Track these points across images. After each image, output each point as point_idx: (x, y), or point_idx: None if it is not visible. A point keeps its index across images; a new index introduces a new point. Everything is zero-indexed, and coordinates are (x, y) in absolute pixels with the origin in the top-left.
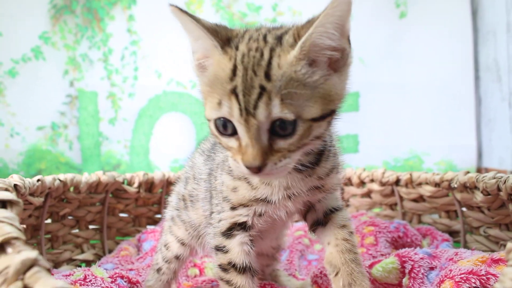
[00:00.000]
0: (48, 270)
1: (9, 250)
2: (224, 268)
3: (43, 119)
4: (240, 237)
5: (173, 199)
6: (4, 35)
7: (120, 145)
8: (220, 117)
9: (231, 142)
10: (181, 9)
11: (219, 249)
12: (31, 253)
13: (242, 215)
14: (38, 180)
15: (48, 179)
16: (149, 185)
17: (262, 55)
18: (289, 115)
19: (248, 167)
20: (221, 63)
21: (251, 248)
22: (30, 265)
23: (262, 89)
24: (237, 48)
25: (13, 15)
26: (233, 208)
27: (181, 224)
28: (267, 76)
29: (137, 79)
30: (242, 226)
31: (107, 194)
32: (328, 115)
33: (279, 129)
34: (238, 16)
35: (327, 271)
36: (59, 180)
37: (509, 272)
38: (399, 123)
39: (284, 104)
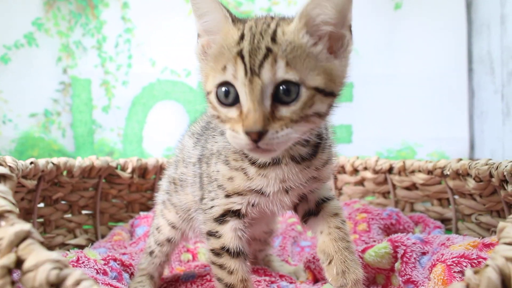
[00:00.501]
0: (42, 243)
1: (2, 223)
2: (217, 252)
3: (36, 106)
4: (233, 223)
5: (163, 183)
6: None
7: (114, 133)
8: (223, 81)
9: (231, 112)
10: None
11: (211, 234)
12: (24, 226)
13: (236, 203)
14: (31, 163)
15: (41, 162)
16: (142, 171)
17: (268, 25)
18: (293, 77)
19: (248, 133)
20: (229, 33)
21: (244, 233)
22: (23, 237)
23: (269, 50)
24: (245, 23)
25: (6, 1)
26: (228, 196)
27: (172, 207)
28: (273, 39)
29: (131, 67)
30: (236, 214)
31: (100, 179)
32: (329, 94)
33: (283, 94)
34: (233, 5)
35: (320, 259)
36: (52, 163)
37: (501, 250)
38: (393, 114)
39: (289, 66)
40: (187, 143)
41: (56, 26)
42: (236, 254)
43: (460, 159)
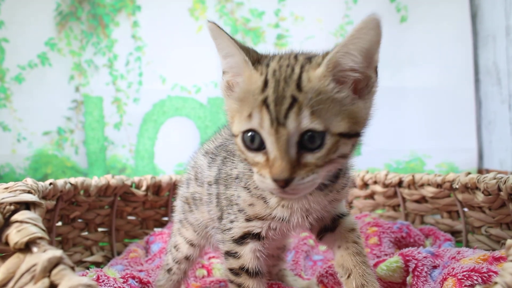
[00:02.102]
0: (72, 268)
1: (35, 249)
2: (236, 272)
3: (49, 124)
4: (253, 245)
5: (178, 203)
6: (11, 41)
7: (125, 149)
8: (249, 129)
9: (258, 157)
10: (218, 26)
11: (230, 254)
12: (56, 252)
13: (256, 226)
14: (51, 184)
15: (59, 182)
16: (156, 188)
17: (293, 70)
18: (318, 126)
19: (275, 180)
20: (252, 78)
21: (263, 253)
22: (55, 263)
23: (294, 99)
24: (267, 66)
25: (20, 22)
26: (248, 220)
27: (189, 226)
28: (298, 87)
29: (141, 84)
30: (256, 236)
31: (116, 197)
32: (353, 135)
33: (307, 142)
34: (241, 22)
35: (338, 273)
36: (70, 183)
37: (509, 267)
38: (401, 126)
39: (314, 115)
40: (201, 162)
41: (68, 46)
42: (255, 274)
43: (469, 173)
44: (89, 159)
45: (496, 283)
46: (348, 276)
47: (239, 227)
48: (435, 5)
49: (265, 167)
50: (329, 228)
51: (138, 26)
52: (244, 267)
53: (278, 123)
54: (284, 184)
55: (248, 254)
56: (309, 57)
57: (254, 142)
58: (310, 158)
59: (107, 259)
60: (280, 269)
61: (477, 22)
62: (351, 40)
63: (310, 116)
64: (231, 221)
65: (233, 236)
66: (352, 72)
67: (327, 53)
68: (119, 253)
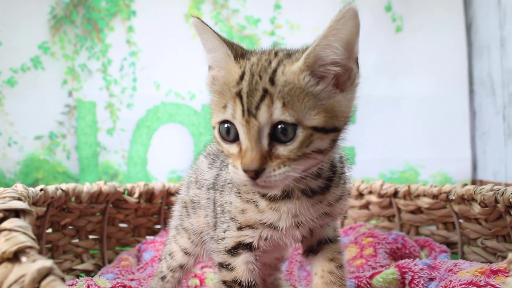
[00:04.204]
0: (63, 279)
1: (24, 259)
2: (229, 285)
3: (41, 129)
4: (246, 256)
5: (175, 208)
6: (4, 44)
7: (118, 155)
8: (224, 119)
9: (232, 148)
10: (202, 21)
11: (223, 266)
12: (46, 262)
13: (248, 236)
14: (41, 190)
15: (50, 188)
16: (149, 196)
17: (269, 63)
18: (289, 118)
19: (245, 171)
20: (231, 70)
21: (256, 266)
22: (45, 273)
23: (265, 92)
24: (248, 60)
25: (13, 25)
26: (240, 229)
27: (184, 233)
28: (271, 80)
29: (135, 90)
30: (248, 247)
31: (108, 204)
32: (331, 130)
33: (280, 134)
34: (236, 29)
35: None
36: (61, 189)
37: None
38: (395, 135)
39: (285, 108)
40: (202, 164)
41: (62, 50)
42: (248, 287)
43: (465, 184)
44: (81, 165)
45: None
46: None
47: (231, 237)
48: (431, 15)
49: (238, 158)
50: (313, 249)
51: (133, 31)
52: (237, 280)
53: (249, 114)
54: (254, 175)
55: (241, 266)
56: (290, 53)
57: (229, 134)
58: (282, 150)
59: (98, 267)
60: (276, 279)
61: (472, 33)
62: (330, 32)
63: (281, 108)
64: (225, 230)
65: (226, 247)
66: (333, 66)
67: (306, 48)
68: (110, 261)
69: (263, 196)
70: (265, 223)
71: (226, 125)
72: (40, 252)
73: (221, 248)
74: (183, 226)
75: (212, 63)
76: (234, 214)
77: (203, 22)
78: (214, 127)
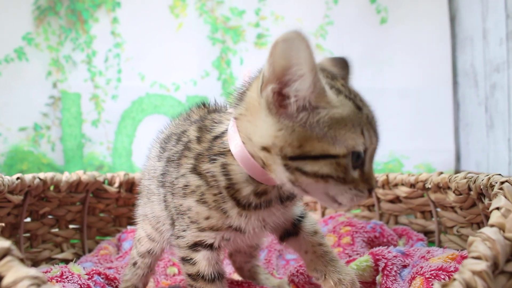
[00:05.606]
0: (22, 260)
1: None
2: (193, 278)
3: (26, 120)
4: (206, 253)
5: (141, 195)
6: None
7: (103, 146)
8: (360, 150)
9: (356, 173)
10: (303, 36)
11: (186, 260)
12: (4, 243)
13: (209, 237)
14: (18, 178)
15: (27, 177)
16: (129, 185)
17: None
18: None
19: (370, 190)
20: (335, 102)
21: (218, 259)
22: (3, 254)
23: None
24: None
25: None
26: (201, 230)
27: (147, 219)
28: None
29: (120, 81)
30: (208, 246)
31: (88, 194)
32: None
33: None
34: (221, 20)
35: (313, 277)
36: (39, 178)
37: (468, 263)
38: (380, 126)
39: None
40: (152, 151)
41: (46, 41)
42: (211, 280)
43: (441, 173)
44: (66, 156)
45: (454, 279)
46: (325, 277)
47: (191, 235)
48: (415, 7)
49: (361, 181)
50: (291, 232)
51: (118, 23)
52: (200, 273)
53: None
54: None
55: (203, 261)
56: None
57: (358, 161)
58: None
59: (78, 256)
60: (253, 266)
61: (455, 25)
62: None
63: None
64: (183, 230)
65: (187, 243)
66: None
67: None
68: (90, 251)
69: (238, 204)
70: (231, 227)
71: (357, 153)
72: (17, 241)
73: (183, 244)
74: (144, 213)
75: (272, 78)
76: (195, 219)
77: (304, 38)
78: (339, 156)
